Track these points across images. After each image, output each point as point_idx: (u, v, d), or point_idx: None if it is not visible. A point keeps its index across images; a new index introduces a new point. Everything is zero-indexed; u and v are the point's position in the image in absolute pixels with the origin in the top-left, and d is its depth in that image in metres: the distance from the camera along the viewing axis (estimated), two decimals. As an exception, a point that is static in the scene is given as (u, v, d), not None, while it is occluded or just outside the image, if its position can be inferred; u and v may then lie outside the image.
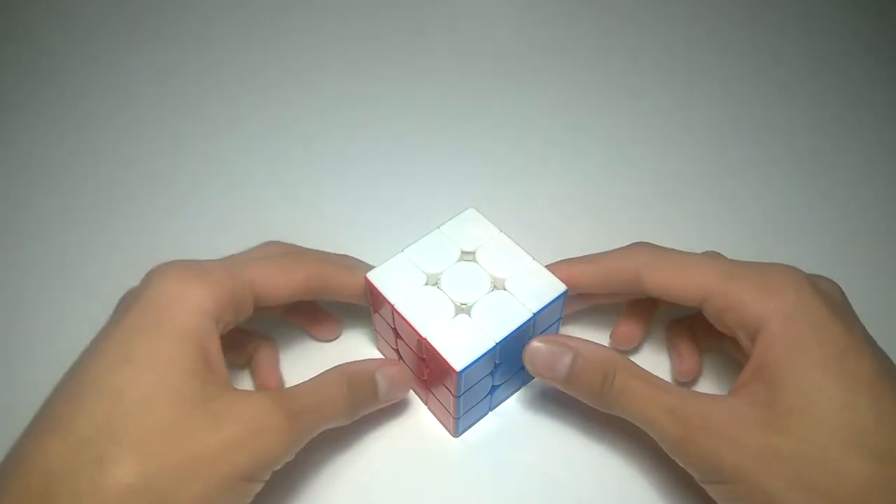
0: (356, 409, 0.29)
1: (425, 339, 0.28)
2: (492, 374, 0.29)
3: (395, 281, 0.30)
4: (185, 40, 0.53)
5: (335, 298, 0.32)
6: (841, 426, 0.23)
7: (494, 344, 0.27)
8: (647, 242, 0.31)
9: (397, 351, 0.32)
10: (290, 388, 0.28)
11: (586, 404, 0.29)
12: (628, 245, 0.31)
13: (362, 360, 0.30)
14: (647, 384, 0.27)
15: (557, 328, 0.32)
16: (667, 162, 0.45)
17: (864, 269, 0.39)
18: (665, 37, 0.52)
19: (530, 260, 0.30)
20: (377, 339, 0.34)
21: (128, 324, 0.25)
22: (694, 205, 0.42)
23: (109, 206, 0.42)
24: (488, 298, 0.29)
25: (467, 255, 0.31)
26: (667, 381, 0.27)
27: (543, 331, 0.30)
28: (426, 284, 0.29)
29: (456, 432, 0.31)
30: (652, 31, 0.53)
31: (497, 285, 0.29)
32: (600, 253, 0.31)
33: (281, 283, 0.29)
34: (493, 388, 0.31)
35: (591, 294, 0.32)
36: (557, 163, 0.45)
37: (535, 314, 0.28)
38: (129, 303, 0.26)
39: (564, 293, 0.29)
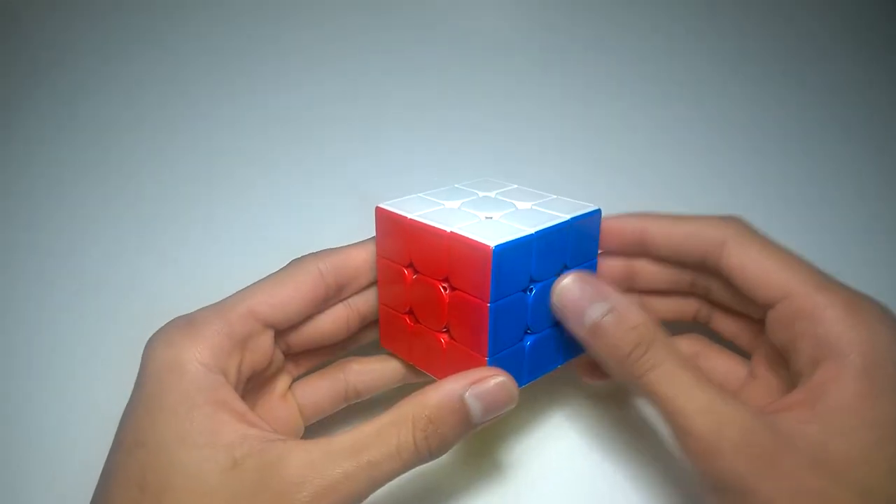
0: (437, 451, 0.24)
1: (451, 233, 0.24)
2: (527, 297, 0.25)
3: (410, 205, 0.27)
4: (190, 42, 0.55)
5: (354, 283, 0.28)
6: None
7: (533, 231, 0.24)
8: (740, 217, 0.27)
9: (411, 314, 0.27)
10: (329, 440, 0.23)
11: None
12: (720, 215, 0.27)
13: (441, 382, 0.24)
14: (686, 370, 0.24)
15: (594, 270, 0.28)
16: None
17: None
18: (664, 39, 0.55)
19: (555, 196, 0.28)
20: (381, 317, 0.29)
21: (133, 404, 0.24)
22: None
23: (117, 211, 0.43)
24: (517, 212, 0.26)
25: (486, 198, 0.28)
26: (703, 372, 0.24)
27: (579, 267, 0.27)
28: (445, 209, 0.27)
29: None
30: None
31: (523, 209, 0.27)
32: (684, 214, 0.28)
33: (286, 296, 0.26)
34: (528, 341, 0.26)
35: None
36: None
37: (572, 219, 0.25)
38: (136, 380, 0.24)
39: (598, 211, 0.27)
